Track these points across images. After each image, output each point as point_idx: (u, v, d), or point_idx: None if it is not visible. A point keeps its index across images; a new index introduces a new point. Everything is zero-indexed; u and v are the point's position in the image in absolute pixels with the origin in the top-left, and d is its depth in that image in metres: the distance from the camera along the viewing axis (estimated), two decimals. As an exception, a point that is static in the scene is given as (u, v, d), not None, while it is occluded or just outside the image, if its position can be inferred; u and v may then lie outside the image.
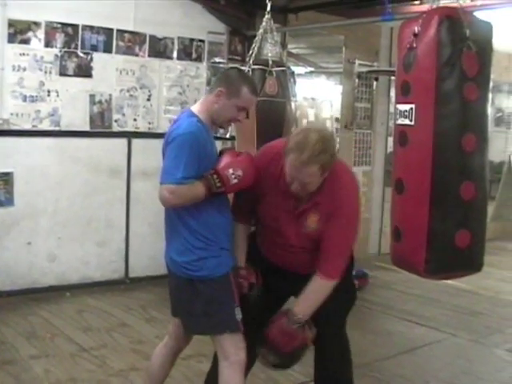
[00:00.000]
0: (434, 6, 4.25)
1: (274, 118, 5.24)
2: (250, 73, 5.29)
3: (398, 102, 4.03)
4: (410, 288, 7.47)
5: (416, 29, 3.94)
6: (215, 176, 3.57)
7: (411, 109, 3.87)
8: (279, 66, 5.45)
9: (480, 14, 4.36)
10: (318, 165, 3.36)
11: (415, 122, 3.86)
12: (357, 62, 9.13)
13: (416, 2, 7.45)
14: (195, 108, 3.79)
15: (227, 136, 7.59)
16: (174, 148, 3.59)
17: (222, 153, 3.80)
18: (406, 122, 3.91)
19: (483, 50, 3.97)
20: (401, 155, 4.05)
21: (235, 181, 3.60)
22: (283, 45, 8.05)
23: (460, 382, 5.11)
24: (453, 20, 3.90)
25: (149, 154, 7.50)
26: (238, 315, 3.72)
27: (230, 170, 3.59)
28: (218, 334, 3.74)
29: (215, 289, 3.69)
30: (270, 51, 5.86)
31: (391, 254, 4.20)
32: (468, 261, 4.02)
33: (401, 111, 3.95)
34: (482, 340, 6.11)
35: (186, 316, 3.85)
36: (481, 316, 6.83)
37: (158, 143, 7.51)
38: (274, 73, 5.29)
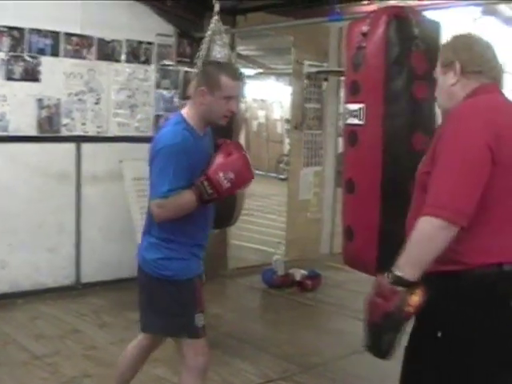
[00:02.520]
0: (382, 6, 4.28)
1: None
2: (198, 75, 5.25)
3: (347, 101, 4.05)
4: (363, 287, 7.34)
5: (364, 28, 3.97)
6: (206, 182, 3.53)
7: (360, 108, 3.88)
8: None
9: (429, 14, 4.39)
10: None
11: (364, 121, 3.87)
12: (306, 62, 9.12)
13: (364, 2, 7.47)
14: (185, 112, 3.73)
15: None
16: (159, 162, 3.55)
17: (217, 147, 3.74)
18: (356, 121, 3.92)
19: (432, 48, 3.99)
20: (351, 155, 4.06)
21: (228, 185, 3.54)
22: (232, 46, 7.99)
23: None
24: (401, 19, 3.93)
25: (98, 159, 7.41)
26: (199, 322, 3.70)
27: (221, 174, 3.53)
28: (176, 336, 3.77)
29: (178, 291, 3.68)
30: (219, 53, 5.83)
31: (343, 253, 4.20)
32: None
33: (350, 111, 3.96)
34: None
35: (150, 313, 3.84)
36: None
37: (108, 147, 7.49)
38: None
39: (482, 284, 2.58)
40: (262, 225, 11.48)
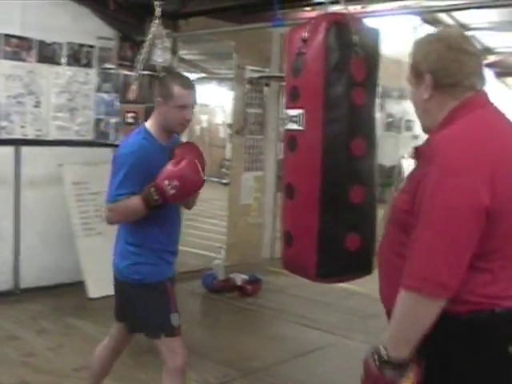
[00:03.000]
0: (323, 12, 4.30)
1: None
2: (139, 79, 5.23)
3: (287, 107, 4.05)
4: (303, 292, 7.51)
5: (304, 34, 3.97)
6: (153, 189, 3.66)
7: (300, 114, 3.89)
8: (168, 72, 5.41)
9: (369, 21, 4.43)
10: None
11: (304, 126, 3.88)
12: (248, 67, 9.14)
13: (307, 9, 7.54)
14: (148, 123, 3.92)
15: (117, 143, 7.51)
16: (114, 169, 3.78)
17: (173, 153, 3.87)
18: (295, 126, 3.93)
19: (371, 55, 4.02)
20: (290, 160, 4.07)
21: (172, 191, 3.64)
22: (174, 50, 7.99)
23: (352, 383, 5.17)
24: (341, 26, 3.94)
25: (38, 162, 7.32)
26: (174, 321, 3.88)
27: (166, 182, 3.64)
28: (154, 337, 3.93)
29: (150, 294, 3.85)
30: (160, 57, 5.82)
31: (282, 258, 4.20)
32: (359, 264, 4.06)
33: (290, 116, 3.96)
34: (374, 341, 6.17)
35: (129, 317, 4.04)
36: (373, 318, 6.90)
37: (48, 151, 7.40)
38: (164, 78, 5.24)
39: (474, 328, 2.32)
40: (204, 229, 11.47)
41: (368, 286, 7.42)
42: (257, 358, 5.70)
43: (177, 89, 3.76)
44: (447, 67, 2.41)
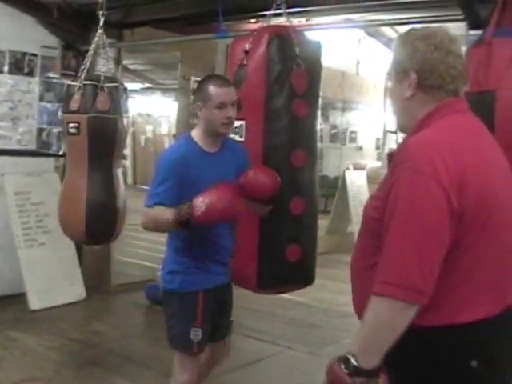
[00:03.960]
0: (265, 25, 4.32)
1: (105, 134, 5.17)
2: (82, 88, 5.18)
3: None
4: (248, 303, 7.46)
5: (247, 46, 4.00)
6: (187, 204, 3.52)
7: (241, 125, 3.91)
8: (112, 82, 5.38)
9: (313, 34, 4.46)
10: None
11: (245, 138, 3.90)
12: (193, 78, 9.12)
13: (252, 20, 7.55)
14: (193, 131, 3.86)
15: (60, 153, 7.45)
16: (155, 174, 3.73)
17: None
18: (237, 138, 3.95)
19: (312, 67, 4.06)
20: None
21: (201, 210, 3.47)
22: (118, 60, 7.94)
23: (296, 393, 5.21)
24: (283, 38, 3.97)
25: (-22, 171, 7.21)
26: (195, 337, 3.77)
27: (201, 198, 3.50)
28: (171, 348, 3.88)
29: (179, 304, 3.79)
30: (103, 67, 5.78)
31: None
32: (300, 274, 4.09)
33: (232, 127, 3.98)
34: (317, 351, 6.21)
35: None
36: (316, 328, 6.96)
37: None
38: (106, 88, 5.21)
39: (438, 345, 2.25)
40: (148, 240, 11.33)
41: (310, 296, 7.52)
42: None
43: (212, 88, 3.68)
44: (434, 68, 2.34)
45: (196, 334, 3.77)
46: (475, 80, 3.34)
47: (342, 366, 2.21)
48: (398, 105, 2.48)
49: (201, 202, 3.48)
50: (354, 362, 2.18)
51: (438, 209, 2.15)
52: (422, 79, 2.35)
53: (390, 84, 2.50)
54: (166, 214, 3.57)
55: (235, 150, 3.86)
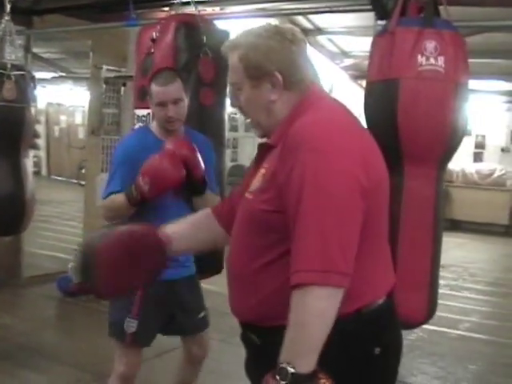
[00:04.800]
0: (173, 13, 4.31)
1: (12, 124, 5.08)
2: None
3: (135, 106, 4.05)
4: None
5: (154, 34, 3.98)
6: (133, 186, 3.56)
7: (149, 114, 3.89)
8: (19, 70, 5.28)
9: (226, 24, 4.46)
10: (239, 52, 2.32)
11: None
12: (104, 67, 9.01)
13: (165, 9, 7.52)
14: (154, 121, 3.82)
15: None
16: (111, 164, 3.81)
17: None
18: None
19: (220, 56, 4.04)
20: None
21: (146, 187, 3.51)
22: (27, 48, 7.80)
23: (207, 381, 5.19)
24: (190, 26, 3.97)
25: None
26: (128, 327, 3.72)
27: (140, 178, 3.51)
28: (110, 335, 3.85)
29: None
30: (10, 54, 5.66)
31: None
32: (210, 263, 4.09)
33: (139, 116, 3.97)
34: (229, 339, 6.22)
35: None
36: (227, 316, 6.95)
37: None
38: (13, 77, 5.11)
39: (342, 334, 2.07)
40: (61, 231, 11.26)
41: (220, 284, 7.52)
42: (111, 361, 5.63)
43: (153, 86, 3.61)
44: (295, 63, 2.26)
45: (130, 325, 3.71)
46: (380, 69, 3.40)
47: (278, 378, 1.99)
48: (261, 110, 2.32)
49: (142, 180, 3.50)
50: (290, 369, 1.97)
51: (349, 187, 2.06)
52: (287, 77, 2.26)
53: (243, 94, 2.33)
54: (120, 198, 3.61)
55: (197, 141, 3.73)
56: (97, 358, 5.74)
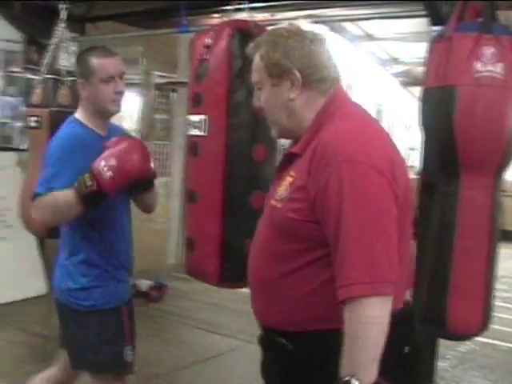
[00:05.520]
0: (227, 19, 4.32)
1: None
2: (44, 82, 5.15)
3: (189, 112, 4.06)
4: (208, 297, 7.51)
5: (208, 41, 3.98)
6: (86, 174, 3.03)
7: (203, 120, 3.90)
8: (73, 76, 5.34)
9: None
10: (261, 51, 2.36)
11: (207, 132, 3.89)
12: (155, 73, 9.11)
13: (215, 15, 7.55)
14: (77, 112, 3.37)
15: (22, 147, 7.39)
16: (44, 166, 3.21)
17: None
18: (198, 132, 3.94)
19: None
20: (193, 166, 4.07)
21: (109, 173, 3.02)
22: (80, 55, 7.90)
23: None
24: (244, 33, 3.97)
25: None
26: (128, 356, 3.36)
27: (102, 162, 3.05)
28: (101, 372, 3.34)
29: (102, 323, 3.28)
30: (65, 61, 5.74)
31: (185, 263, 4.20)
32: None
33: (192, 122, 3.97)
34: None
35: (70, 348, 3.41)
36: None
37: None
38: (68, 82, 5.17)
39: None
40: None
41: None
42: (158, 364, 5.68)
43: (95, 60, 3.21)
44: (315, 62, 2.27)
45: (129, 354, 3.37)
46: (436, 75, 3.37)
47: None
48: (281, 109, 2.34)
49: (105, 165, 3.04)
50: (355, 382, 1.99)
51: (387, 197, 2.09)
52: (306, 76, 2.27)
53: (264, 92, 2.37)
54: (65, 195, 3.04)
55: (120, 133, 3.52)
56: (143, 360, 5.74)
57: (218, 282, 4.04)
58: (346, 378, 2.00)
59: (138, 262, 9.00)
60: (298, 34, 2.29)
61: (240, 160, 3.88)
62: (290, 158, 2.35)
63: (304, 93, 2.28)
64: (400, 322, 2.18)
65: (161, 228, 9.37)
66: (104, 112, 3.32)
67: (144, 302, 7.59)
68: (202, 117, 3.91)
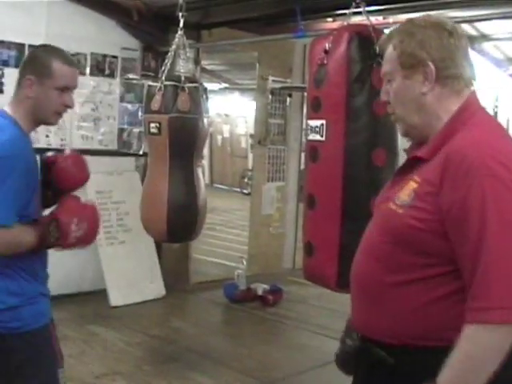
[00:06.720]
0: (345, 24, 4.32)
1: (186, 134, 5.22)
2: (163, 89, 5.25)
3: (309, 117, 4.08)
4: (324, 302, 7.48)
5: (327, 45, 4.00)
6: (54, 223, 2.79)
7: (322, 124, 3.91)
8: (192, 82, 5.43)
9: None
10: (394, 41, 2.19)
11: (326, 137, 3.90)
12: (270, 78, 9.15)
13: (329, 20, 7.55)
14: (9, 108, 2.87)
15: (140, 152, 7.56)
16: None
17: (47, 163, 3.11)
18: (317, 137, 3.95)
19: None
20: (312, 171, 4.09)
21: (79, 233, 2.84)
22: (196, 61, 8.04)
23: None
24: (363, 37, 3.97)
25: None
26: (62, 379, 3.02)
27: (75, 219, 2.84)
28: None
29: (32, 344, 2.82)
30: (183, 67, 5.84)
31: (304, 268, 4.22)
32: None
33: (312, 127, 3.99)
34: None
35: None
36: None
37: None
38: (187, 89, 5.26)
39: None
40: (225, 239, 11.47)
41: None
42: (277, 368, 5.70)
43: (58, 65, 2.83)
44: (452, 56, 2.10)
45: (62, 376, 3.03)
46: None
47: None
48: (411, 103, 2.16)
49: (76, 226, 2.83)
50: None
51: None
52: (441, 69, 2.09)
53: (394, 84, 2.19)
54: (25, 238, 2.74)
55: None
56: (261, 364, 5.82)
57: (336, 286, 4.04)
58: None
59: (254, 266, 9.13)
60: (437, 24, 2.13)
61: (359, 164, 3.88)
62: (413, 162, 2.18)
63: (436, 89, 2.11)
64: None
65: (277, 232, 9.42)
66: (41, 120, 2.94)
67: (260, 305, 7.64)
68: (321, 121, 3.92)
